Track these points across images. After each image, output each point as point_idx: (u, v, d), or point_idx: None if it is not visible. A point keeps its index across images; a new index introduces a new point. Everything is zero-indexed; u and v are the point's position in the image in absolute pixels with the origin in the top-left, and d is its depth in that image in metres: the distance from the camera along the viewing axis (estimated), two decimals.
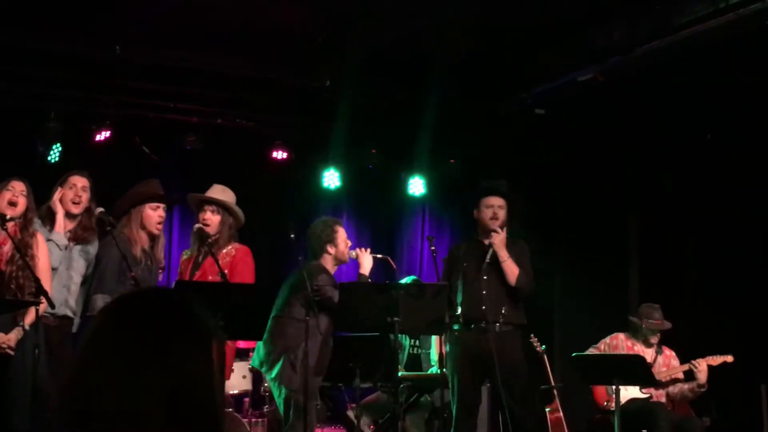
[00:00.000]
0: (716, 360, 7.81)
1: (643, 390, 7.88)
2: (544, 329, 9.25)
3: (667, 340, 8.19)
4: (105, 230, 6.39)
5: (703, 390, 7.79)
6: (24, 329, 5.90)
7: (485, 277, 7.16)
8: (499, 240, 7.16)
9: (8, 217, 5.96)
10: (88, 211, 6.66)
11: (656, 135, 9.56)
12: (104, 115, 9.04)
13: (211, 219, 6.71)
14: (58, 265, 6.43)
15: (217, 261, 6.32)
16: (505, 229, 7.31)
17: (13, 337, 5.90)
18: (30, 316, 5.88)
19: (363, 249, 7.21)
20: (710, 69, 8.07)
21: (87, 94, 9.01)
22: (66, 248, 6.54)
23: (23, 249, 5.94)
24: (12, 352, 5.89)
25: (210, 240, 6.63)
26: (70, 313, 6.56)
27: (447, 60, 8.57)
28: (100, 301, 6.34)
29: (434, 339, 8.24)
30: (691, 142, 9.43)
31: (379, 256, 7.24)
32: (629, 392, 7.73)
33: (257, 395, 8.55)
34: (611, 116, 9.46)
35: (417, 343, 8.75)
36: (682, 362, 8.03)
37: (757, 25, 7.05)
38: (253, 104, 9.63)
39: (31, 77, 8.65)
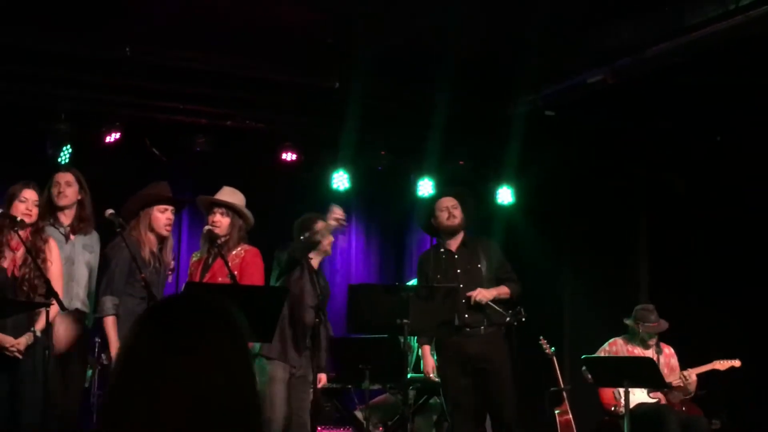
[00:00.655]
0: (724, 365, 7.82)
1: (651, 394, 7.88)
2: (553, 331, 9.25)
3: (677, 341, 8.19)
4: (115, 231, 6.42)
5: (689, 396, 7.85)
6: (35, 335, 5.94)
7: (462, 285, 7.16)
8: (481, 296, 7.11)
9: (19, 219, 6.02)
10: (81, 203, 6.77)
11: (666, 136, 9.55)
12: (114, 117, 9.06)
13: (221, 221, 6.72)
14: (64, 259, 6.49)
15: (226, 263, 6.33)
16: (463, 232, 7.41)
17: (23, 341, 5.94)
18: (41, 323, 5.91)
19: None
20: (720, 70, 8.06)
21: (97, 95, 9.03)
22: (67, 241, 6.64)
23: (35, 253, 6.00)
24: (20, 356, 5.94)
25: (219, 242, 6.64)
26: (81, 306, 6.64)
27: (456, 61, 8.57)
28: (109, 302, 6.37)
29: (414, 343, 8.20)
30: (701, 142, 9.42)
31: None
32: (637, 397, 7.73)
33: None
34: (621, 117, 9.44)
35: None
36: (679, 360, 8.04)
37: (766, 27, 7.04)
38: (262, 106, 9.64)
39: (41, 78, 8.68)
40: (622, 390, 7.29)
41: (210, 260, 6.73)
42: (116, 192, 7.13)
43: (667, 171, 9.92)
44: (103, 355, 6.63)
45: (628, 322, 8.09)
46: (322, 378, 7.32)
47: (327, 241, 7.09)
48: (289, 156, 9.88)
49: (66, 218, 6.74)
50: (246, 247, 6.80)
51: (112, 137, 9.03)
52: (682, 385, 7.81)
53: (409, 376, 7.30)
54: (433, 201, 7.59)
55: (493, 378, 7.11)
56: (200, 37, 8.38)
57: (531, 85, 9.20)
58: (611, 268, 10.13)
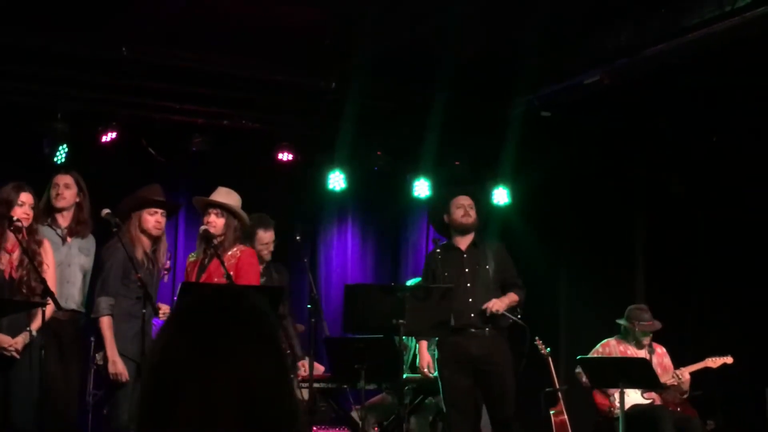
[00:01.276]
0: (716, 362, 7.83)
1: (645, 395, 7.89)
2: (549, 331, 9.26)
3: (673, 341, 8.20)
4: (111, 232, 6.44)
5: (685, 396, 7.86)
6: (31, 334, 6.02)
7: (469, 285, 7.17)
8: (497, 307, 7.07)
9: (15, 219, 6.05)
10: (79, 205, 6.79)
11: (663, 137, 9.56)
12: (111, 116, 9.05)
13: (216, 222, 6.72)
14: (60, 261, 6.51)
15: (222, 263, 6.34)
16: (474, 232, 7.38)
17: (20, 340, 6.02)
18: (37, 322, 5.97)
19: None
20: (717, 71, 8.08)
21: (94, 95, 9.03)
22: (64, 243, 6.67)
23: (31, 254, 6.04)
24: (18, 356, 6.01)
25: (215, 242, 6.65)
26: (76, 307, 6.68)
27: (453, 62, 8.57)
28: (104, 303, 6.40)
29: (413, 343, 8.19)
30: (698, 144, 9.43)
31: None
32: (631, 398, 7.74)
33: None
34: (618, 118, 9.46)
35: None
36: (674, 359, 8.06)
37: (763, 28, 7.06)
38: (259, 106, 9.64)
39: (37, 77, 8.68)
40: (615, 391, 7.33)
41: (206, 261, 6.74)
42: (113, 192, 7.15)
43: (665, 172, 9.93)
44: (97, 355, 6.62)
45: (621, 322, 8.10)
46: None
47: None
48: (285, 156, 9.87)
49: (64, 220, 6.76)
50: (241, 247, 6.81)
51: (109, 137, 9.02)
52: (675, 383, 7.82)
53: (405, 376, 7.30)
54: (448, 198, 7.50)
55: (495, 379, 7.09)
56: (197, 37, 8.38)
57: (528, 86, 9.21)
58: (607, 268, 10.14)
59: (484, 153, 10.32)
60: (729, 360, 7.81)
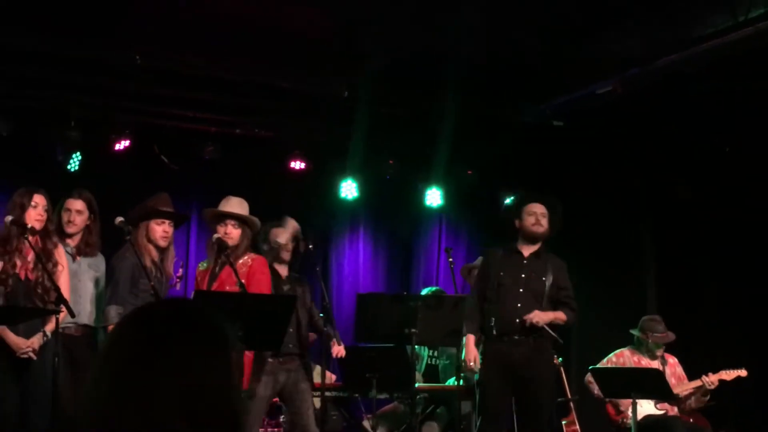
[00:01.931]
0: (730, 374, 7.80)
1: (658, 406, 7.87)
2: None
3: (685, 351, 8.18)
4: (124, 240, 6.47)
5: (706, 399, 7.81)
6: (45, 335, 6.12)
7: (521, 290, 7.07)
8: (537, 319, 6.95)
9: (30, 226, 6.11)
10: (88, 228, 6.85)
11: (674, 146, 9.55)
12: (124, 124, 9.09)
13: (232, 233, 6.75)
14: (70, 274, 6.57)
15: (235, 271, 6.35)
16: (541, 243, 7.28)
17: (36, 341, 6.14)
18: (51, 324, 6.05)
19: None
20: (729, 81, 8.06)
21: (107, 102, 9.06)
22: (74, 260, 6.72)
23: (46, 257, 6.13)
24: (35, 356, 6.12)
25: (228, 251, 6.67)
26: (88, 321, 6.72)
27: (465, 71, 8.57)
28: (113, 311, 6.42)
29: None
30: (710, 153, 9.42)
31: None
32: (644, 409, 7.71)
33: (273, 405, 8.55)
34: (630, 127, 9.45)
35: (435, 354, 8.75)
36: (685, 370, 8.03)
37: None
38: (271, 114, 9.66)
39: (50, 85, 8.71)
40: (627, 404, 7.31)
41: (217, 269, 6.75)
42: (125, 199, 7.19)
43: (676, 181, 9.90)
44: None
45: (635, 332, 8.08)
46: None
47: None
48: (297, 164, 9.89)
49: (73, 241, 6.83)
50: (253, 256, 6.83)
51: (122, 145, 9.06)
52: (699, 384, 7.76)
53: (416, 385, 7.29)
54: (522, 203, 7.36)
55: (533, 391, 6.97)
56: (210, 45, 8.40)
57: (540, 95, 9.21)
58: (618, 278, 10.11)
59: (495, 162, 10.31)
60: (743, 373, 7.76)
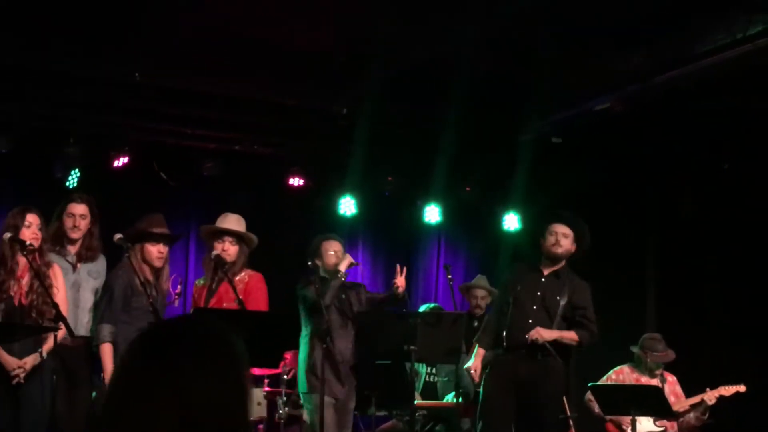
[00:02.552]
0: (729, 390, 7.79)
1: (658, 423, 7.85)
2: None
3: (684, 368, 8.16)
4: (124, 256, 6.45)
5: (705, 418, 7.79)
6: (42, 356, 5.97)
7: (535, 307, 7.04)
8: (537, 335, 6.88)
9: (28, 243, 6.04)
10: (90, 232, 6.79)
11: (674, 162, 9.55)
12: (122, 141, 9.09)
13: (230, 249, 6.76)
14: (70, 286, 6.51)
15: (234, 288, 6.35)
16: (563, 263, 7.23)
17: (29, 361, 5.97)
18: (48, 344, 5.95)
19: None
20: (728, 98, 8.08)
21: (106, 119, 9.06)
22: (74, 270, 6.65)
23: (42, 277, 6.01)
24: (22, 380, 5.94)
25: (225, 267, 6.66)
26: (86, 332, 6.65)
27: (464, 88, 8.58)
28: (106, 330, 6.39)
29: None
30: (709, 169, 9.42)
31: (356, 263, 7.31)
32: (643, 426, 7.69)
33: (272, 422, 8.52)
34: (629, 143, 9.45)
35: (433, 370, 8.73)
36: (683, 387, 8.02)
37: None
38: (270, 130, 9.66)
39: (50, 102, 8.71)
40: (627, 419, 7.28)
41: (214, 285, 6.75)
42: (124, 216, 7.16)
43: (676, 197, 9.90)
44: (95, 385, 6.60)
45: (635, 350, 8.07)
46: None
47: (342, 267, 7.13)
48: (296, 181, 9.89)
49: (74, 247, 6.76)
50: (250, 272, 6.84)
51: (121, 161, 9.06)
52: (698, 401, 7.76)
53: (415, 402, 7.27)
54: (546, 222, 7.30)
55: (536, 408, 6.94)
56: (208, 61, 8.41)
57: (539, 112, 9.22)
58: (618, 294, 10.08)
59: (494, 178, 10.32)
60: (742, 388, 7.76)
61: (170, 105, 8.95)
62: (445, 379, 8.65)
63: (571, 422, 8.46)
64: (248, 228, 6.99)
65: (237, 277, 6.71)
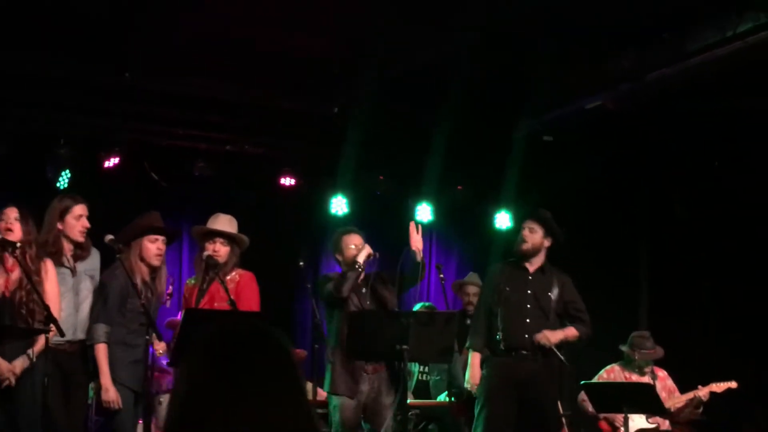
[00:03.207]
0: (720, 387, 7.81)
1: (650, 420, 7.86)
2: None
3: (677, 365, 8.18)
4: (115, 257, 6.39)
5: (699, 412, 7.82)
6: (31, 359, 5.88)
7: (529, 306, 7.06)
8: (545, 339, 6.91)
9: (18, 244, 5.96)
10: None
11: (667, 160, 9.56)
12: (113, 142, 9.06)
13: (221, 250, 6.73)
14: (69, 289, 6.42)
15: (226, 288, 6.34)
16: (544, 258, 7.27)
17: (18, 364, 5.90)
18: (39, 345, 5.86)
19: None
20: (719, 95, 8.09)
21: (96, 120, 9.05)
22: (74, 274, 6.50)
23: (29, 274, 5.91)
24: (12, 384, 5.88)
25: (217, 268, 6.64)
26: (82, 336, 6.53)
27: (456, 87, 8.58)
28: (101, 330, 6.32)
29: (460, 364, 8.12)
30: (701, 167, 9.44)
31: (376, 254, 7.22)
32: (636, 423, 7.71)
33: None
34: (620, 142, 9.46)
35: (426, 369, 8.73)
36: (677, 383, 8.03)
37: (764, 53, 7.08)
38: (261, 131, 9.65)
39: (40, 103, 8.69)
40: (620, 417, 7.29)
41: (205, 285, 6.72)
42: (115, 217, 7.11)
43: (668, 196, 9.92)
44: (92, 383, 6.55)
45: (624, 348, 8.08)
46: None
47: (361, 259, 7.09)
48: (288, 181, 9.89)
49: (70, 248, 6.55)
50: (240, 271, 6.81)
51: (111, 162, 9.04)
52: (692, 397, 7.77)
53: (408, 401, 7.26)
54: (519, 221, 7.44)
55: (536, 409, 6.95)
56: (199, 63, 8.40)
57: (531, 111, 9.22)
58: (611, 293, 10.09)
59: (486, 177, 10.31)
60: (733, 385, 7.78)
61: (161, 106, 8.94)
62: (438, 378, 8.64)
63: (564, 420, 8.48)
64: (240, 228, 6.95)
65: (228, 277, 6.69)
